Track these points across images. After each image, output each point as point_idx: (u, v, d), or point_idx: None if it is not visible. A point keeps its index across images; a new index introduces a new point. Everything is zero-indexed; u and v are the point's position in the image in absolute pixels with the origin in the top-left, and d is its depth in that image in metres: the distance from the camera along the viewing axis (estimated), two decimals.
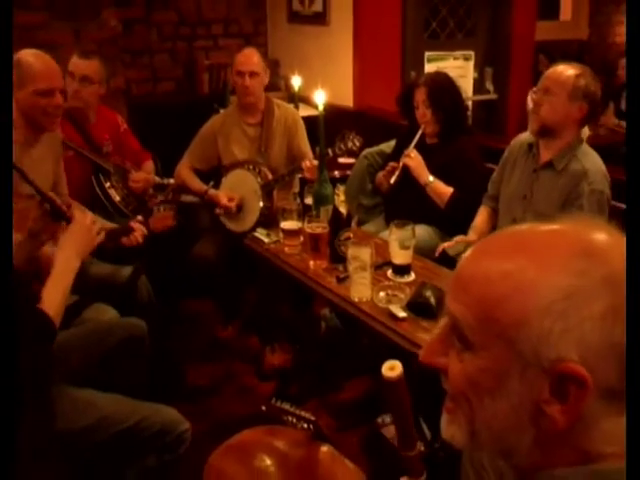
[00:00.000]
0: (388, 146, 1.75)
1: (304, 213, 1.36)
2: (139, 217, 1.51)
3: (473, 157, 1.57)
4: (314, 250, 1.27)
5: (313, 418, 0.87)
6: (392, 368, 0.49)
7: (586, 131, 1.69)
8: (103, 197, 1.62)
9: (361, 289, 1.12)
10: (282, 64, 2.76)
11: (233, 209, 1.68)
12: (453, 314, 0.39)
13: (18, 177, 1.04)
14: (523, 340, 0.35)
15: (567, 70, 1.25)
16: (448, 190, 1.53)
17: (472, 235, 1.43)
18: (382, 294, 1.11)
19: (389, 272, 1.20)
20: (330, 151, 1.55)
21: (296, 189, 1.79)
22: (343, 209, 1.36)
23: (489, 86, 2.86)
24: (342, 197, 1.51)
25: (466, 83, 2.64)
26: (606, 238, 0.37)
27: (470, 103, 2.34)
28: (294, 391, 1.49)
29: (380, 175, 1.66)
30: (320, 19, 2.52)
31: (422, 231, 1.44)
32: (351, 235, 1.28)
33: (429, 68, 2.57)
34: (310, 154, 1.73)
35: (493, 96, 2.86)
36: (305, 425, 0.88)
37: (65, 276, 0.92)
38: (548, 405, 0.36)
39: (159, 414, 0.96)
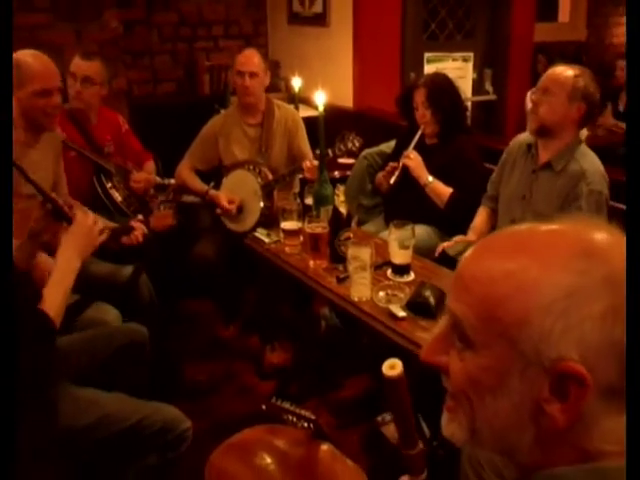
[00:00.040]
0: (388, 146, 1.76)
1: (304, 213, 1.37)
2: (139, 216, 1.51)
3: (472, 157, 1.57)
4: (314, 250, 1.27)
5: (313, 417, 0.88)
6: (392, 367, 0.49)
7: (584, 132, 1.70)
8: (105, 197, 1.62)
9: (361, 289, 1.12)
10: (282, 65, 2.77)
11: (233, 212, 1.68)
12: (454, 313, 0.39)
13: (19, 177, 1.04)
14: (524, 339, 0.36)
15: (566, 71, 1.26)
16: (447, 190, 1.53)
17: (471, 235, 1.43)
18: (382, 294, 1.12)
19: (389, 272, 1.20)
20: (330, 152, 1.55)
21: (296, 189, 1.79)
22: (343, 209, 1.36)
23: (488, 87, 2.87)
24: (342, 197, 1.51)
25: (465, 84, 2.66)
26: (606, 238, 0.37)
27: (469, 104, 2.35)
28: (294, 390, 1.50)
29: (380, 175, 1.67)
30: (320, 20, 2.53)
31: (421, 231, 1.44)
32: (351, 235, 1.29)
33: (428, 69, 2.59)
34: (310, 154, 1.73)
35: (492, 97, 2.88)
36: (305, 424, 0.88)
37: (66, 276, 0.93)
38: (548, 404, 0.36)
39: (160, 413, 0.96)
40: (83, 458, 0.93)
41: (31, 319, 0.83)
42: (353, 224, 1.50)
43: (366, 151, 1.76)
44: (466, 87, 2.66)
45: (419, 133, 1.57)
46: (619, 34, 3.98)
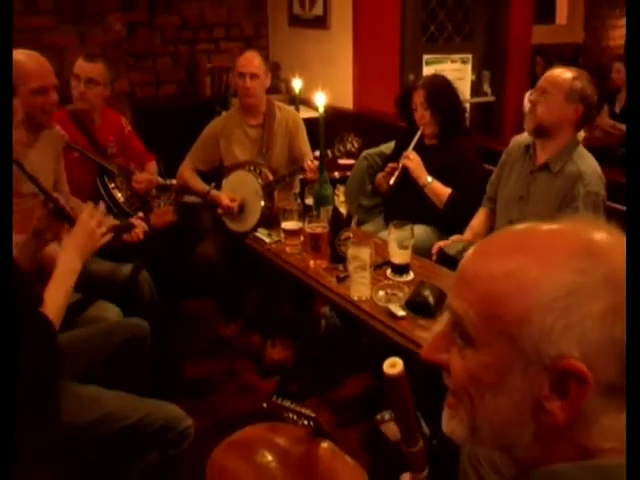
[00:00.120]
0: (387, 147, 1.77)
1: (305, 213, 1.38)
2: (140, 214, 1.52)
3: (471, 158, 1.58)
4: (314, 250, 1.28)
5: (313, 415, 0.87)
6: (393, 365, 0.49)
7: (581, 133, 1.71)
8: (107, 198, 1.63)
9: (361, 288, 1.13)
10: (283, 67, 2.78)
11: (235, 209, 1.69)
12: (456, 311, 0.39)
13: (21, 176, 1.05)
14: (525, 337, 0.36)
15: (564, 73, 1.27)
16: (446, 191, 1.54)
17: (468, 234, 1.44)
18: (381, 293, 1.12)
19: (388, 271, 1.21)
20: (329, 152, 1.56)
21: (297, 190, 1.80)
22: (343, 209, 1.37)
23: (486, 89, 2.89)
24: (342, 198, 1.52)
25: (464, 86, 2.67)
26: (607, 237, 0.37)
27: (468, 105, 2.37)
28: (295, 388, 1.50)
29: (380, 176, 1.67)
30: (320, 23, 2.54)
31: (421, 231, 1.45)
32: (351, 235, 1.29)
33: (427, 71, 2.60)
34: (311, 155, 1.74)
35: (490, 98, 2.89)
36: (305, 422, 0.88)
37: (67, 277, 0.93)
38: (548, 401, 0.36)
39: (162, 411, 0.96)
40: (85, 456, 0.94)
41: (32, 320, 0.83)
42: (353, 224, 1.51)
43: (366, 152, 1.77)
44: (465, 89, 2.67)
45: (418, 134, 1.58)
46: (616, 36, 4.01)
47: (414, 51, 2.63)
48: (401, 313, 1.06)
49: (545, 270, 0.36)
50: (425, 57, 2.68)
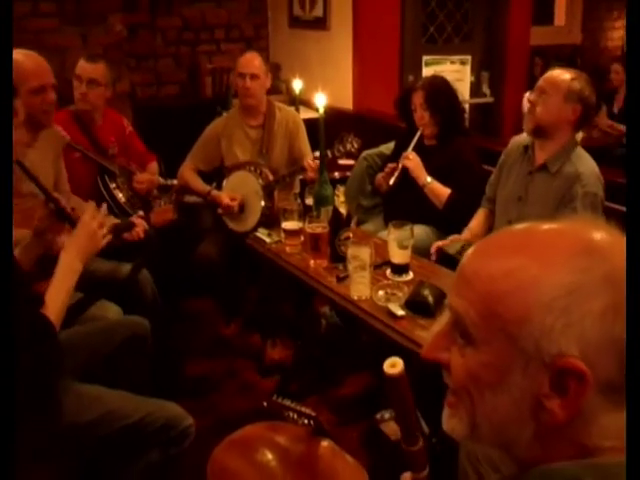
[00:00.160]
0: (387, 148, 1.77)
1: (305, 213, 1.38)
2: (140, 212, 1.53)
3: (470, 158, 1.59)
4: (315, 250, 1.28)
5: (313, 414, 0.87)
6: (393, 365, 0.49)
7: (580, 134, 1.72)
8: (108, 198, 1.63)
9: (360, 288, 1.14)
10: (283, 68, 2.79)
11: (235, 208, 1.69)
12: (456, 310, 0.39)
13: (22, 176, 1.05)
14: (525, 336, 0.36)
15: (563, 74, 1.28)
16: (446, 191, 1.55)
17: (466, 234, 1.45)
18: (381, 293, 1.13)
19: (388, 271, 1.22)
20: (329, 153, 1.57)
21: (297, 190, 1.80)
22: (343, 209, 1.37)
23: (485, 89, 2.90)
24: (342, 198, 1.53)
25: (463, 86, 2.68)
26: (606, 237, 0.38)
27: (467, 106, 2.38)
28: (295, 387, 1.50)
29: (379, 176, 1.68)
30: (320, 24, 2.55)
31: (420, 231, 1.46)
32: (351, 235, 1.30)
33: (427, 72, 2.61)
34: (311, 155, 1.74)
35: (489, 99, 2.90)
36: (306, 420, 0.88)
37: (67, 278, 0.93)
38: (548, 399, 0.36)
39: (163, 410, 0.96)
40: (86, 455, 0.94)
41: (32, 320, 0.83)
42: (353, 224, 1.52)
43: (366, 152, 1.77)
44: (464, 89, 2.67)
45: (418, 135, 1.59)
46: (613, 38, 4.04)
47: (413, 52, 2.64)
48: (401, 312, 1.07)
49: (545, 269, 0.36)
50: (424, 58, 2.69)
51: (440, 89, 1.59)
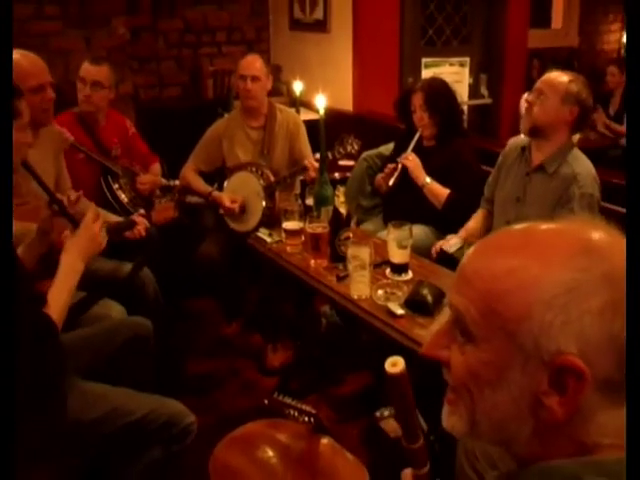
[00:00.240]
0: (387, 149, 1.79)
1: (305, 214, 1.39)
2: (141, 210, 1.54)
3: (469, 159, 1.60)
4: (315, 249, 1.29)
5: (314, 411, 0.88)
6: (395, 364, 0.49)
7: (576, 135, 1.73)
8: (111, 199, 1.64)
9: (360, 287, 1.15)
10: (284, 70, 2.80)
11: (236, 211, 1.70)
12: (456, 307, 0.40)
13: (26, 176, 1.06)
14: (524, 333, 0.36)
15: (561, 76, 1.29)
16: (445, 191, 1.56)
17: (462, 233, 1.45)
18: (381, 292, 1.14)
19: (387, 271, 1.23)
20: (329, 154, 1.58)
21: (297, 191, 1.81)
22: (343, 210, 1.38)
23: (484, 91, 2.92)
24: (342, 198, 1.55)
25: (461, 88, 2.70)
26: (605, 236, 0.38)
27: (465, 107, 2.39)
28: (295, 386, 1.51)
29: (379, 177, 1.69)
30: (321, 26, 2.57)
31: (419, 231, 1.47)
32: (351, 235, 1.31)
33: (426, 74, 2.63)
34: (311, 157, 1.75)
35: (487, 101, 2.92)
36: (306, 418, 0.88)
37: (69, 278, 0.93)
38: (547, 397, 0.36)
39: (166, 407, 0.96)
40: (89, 452, 0.95)
41: (34, 319, 0.84)
42: (352, 224, 1.53)
43: (365, 153, 1.79)
44: (462, 91, 2.70)
45: (417, 136, 1.60)
46: (610, 41, 4.07)
47: (413, 54, 2.65)
48: (400, 311, 1.07)
49: (545, 268, 0.37)
50: (424, 60, 2.70)
51: (439, 91, 1.61)
